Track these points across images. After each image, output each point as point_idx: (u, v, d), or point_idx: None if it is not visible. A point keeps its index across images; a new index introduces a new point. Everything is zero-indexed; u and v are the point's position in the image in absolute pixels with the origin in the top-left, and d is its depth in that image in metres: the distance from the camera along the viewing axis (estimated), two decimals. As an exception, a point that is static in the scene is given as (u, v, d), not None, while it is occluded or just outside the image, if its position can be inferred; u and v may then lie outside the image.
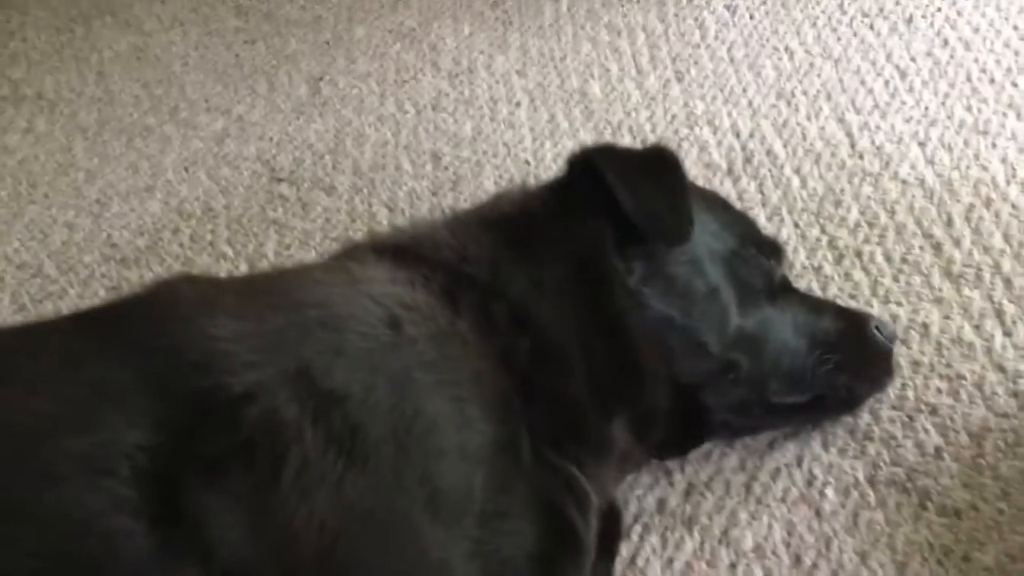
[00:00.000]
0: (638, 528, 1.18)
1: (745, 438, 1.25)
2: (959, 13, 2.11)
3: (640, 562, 1.15)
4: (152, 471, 0.84)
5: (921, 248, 1.52)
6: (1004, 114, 1.78)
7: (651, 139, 1.88)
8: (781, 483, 1.21)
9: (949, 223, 1.56)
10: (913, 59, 1.99)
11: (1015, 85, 1.86)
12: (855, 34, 2.12)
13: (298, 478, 0.85)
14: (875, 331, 1.23)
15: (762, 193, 1.69)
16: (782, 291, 1.23)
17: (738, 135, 1.85)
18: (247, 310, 0.95)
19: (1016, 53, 1.95)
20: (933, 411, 1.26)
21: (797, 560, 1.12)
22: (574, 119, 1.99)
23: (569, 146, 1.87)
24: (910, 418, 1.26)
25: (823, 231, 1.58)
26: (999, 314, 1.38)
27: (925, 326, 1.38)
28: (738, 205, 1.54)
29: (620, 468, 1.16)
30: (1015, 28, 2.03)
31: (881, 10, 2.18)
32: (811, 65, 2.04)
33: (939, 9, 2.14)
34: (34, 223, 1.93)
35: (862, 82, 1.95)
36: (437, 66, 2.27)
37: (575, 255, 1.12)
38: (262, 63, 2.41)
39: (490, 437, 0.95)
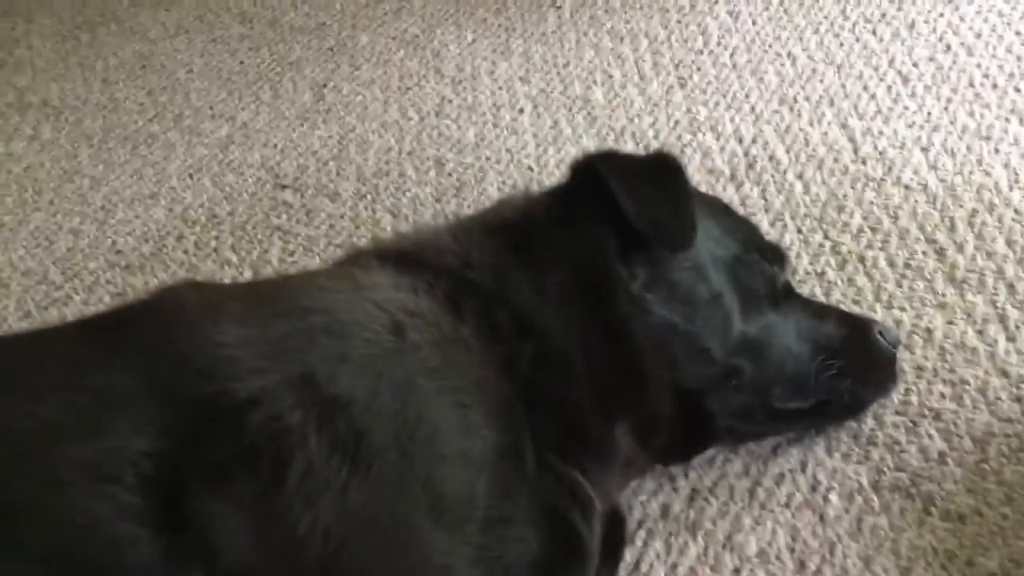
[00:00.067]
0: (642, 534, 1.18)
1: (749, 443, 1.25)
2: (961, 18, 2.12)
3: (644, 567, 1.15)
4: (157, 477, 0.84)
5: (924, 253, 1.52)
6: (1007, 119, 1.79)
7: (654, 145, 1.89)
8: (785, 488, 1.21)
9: (952, 228, 1.56)
10: (915, 64, 2.00)
11: (1018, 90, 1.86)
12: (857, 39, 2.12)
13: (302, 484, 0.86)
14: (878, 336, 1.23)
15: (765, 199, 1.69)
16: (785, 297, 1.23)
17: (741, 141, 1.85)
18: (251, 316, 0.95)
19: (1019, 58, 1.95)
20: (937, 416, 1.26)
21: (801, 565, 1.12)
22: (577, 125, 1.99)
23: (572, 152, 1.87)
24: (914, 423, 1.26)
25: (826, 236, 1.59)
26: (1002, 319, 1.38)
27: (928, 331, 1.38)
28: (741, 211, 1.54)
29: (624, 474, 1.16)
30: (1017, 33, 2.03)
31: (883, 15, 2.19)
32: (814, 71, 2.04)
33: (941, 14, 2.14)
34: (39, 230, 1.93)
35: (865, 87, 1.95)
36: (440, 73, 2.27)
37: (578, 261, 1.12)
38: (266, 70, 2.41)
39: (493, 443, 0.95)
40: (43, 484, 0.83)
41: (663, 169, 1.20)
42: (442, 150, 1.98)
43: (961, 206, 1.60)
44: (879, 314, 1.41)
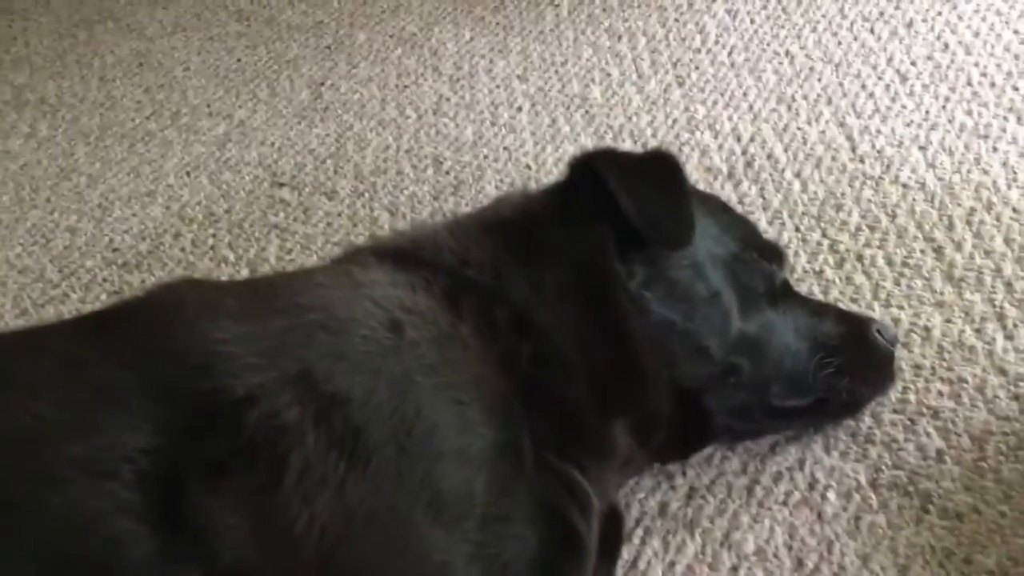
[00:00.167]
0: (640, 532, 1.18)
1: (747, 442, 1.25)
2: (959, 17, 2.12)
3: (642, 565, 1.15)
4: (154, 474, 0.84)
5: (922, 252, 1.52)
6: (1005, 118, 1.79)
7: (652, 144, 1.89)
8: (783, 486, 1.21)
9: (950, 227, 1.56)
10: (914, 63, 2.00)
11: (1016, 89, 1.86)
12: (855, 38, 2.12)
13: (300, 481, 0.85)
14: (876, 335, 1.23)
15: (763, 197, 1.69)
16: (783, 295, 1.23)
17: (739, 139, 1.85)
18: (249, 313, 0.95)
19: (1016, 57, 1.95)
20: (935, 414, 1.26)
21: (799, 563, 1.12)
22: (575, 123, 1.99)
23: (570, 151, 1.87)
24: (912, 421, 1.26)
25: (824, 235, 1.59)
26: (1000, 317, 1.38)
27: (926, 329, 1.38)
28: (739, 209, 1.54)
29: (622, 472, 1.16)
30: (1015, 32, 2.03)
31: (881, 14, 2.19)
32: (812, 69, 2.04)
33: (939, 13, 2.14)
34: (36, 228, 1.93)
35: (863, 86, 1.95)
36: (438, 71, 2.27)
37: (576, 259, 1.12)
38: (264, 68, 2.41)
39: (491, 441, 0.95)
40: (40, 481, 0.83)
41: (662, 167, 1.20)
42: (440, 148, 1.98)
43: (959, 204, 1.60)
44: (877, 312, 1.41)
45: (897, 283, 1.47)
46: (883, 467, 1.21)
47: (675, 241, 1.14)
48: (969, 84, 1.90)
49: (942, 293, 1.44)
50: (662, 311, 1.12)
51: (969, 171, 1.67)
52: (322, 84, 2.29)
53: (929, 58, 2.00)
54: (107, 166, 2.10)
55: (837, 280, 1.49)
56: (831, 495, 1.19)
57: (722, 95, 2.00)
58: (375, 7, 2.61)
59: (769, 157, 1.79)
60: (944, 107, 1.84)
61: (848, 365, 1.20)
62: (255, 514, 0.84)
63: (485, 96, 2.14)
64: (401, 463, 0.89)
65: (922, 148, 1.75)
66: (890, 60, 2.02)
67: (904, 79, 1.95)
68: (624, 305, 1.11)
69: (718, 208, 1.28)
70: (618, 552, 1.13)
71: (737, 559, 1.14)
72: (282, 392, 0.89)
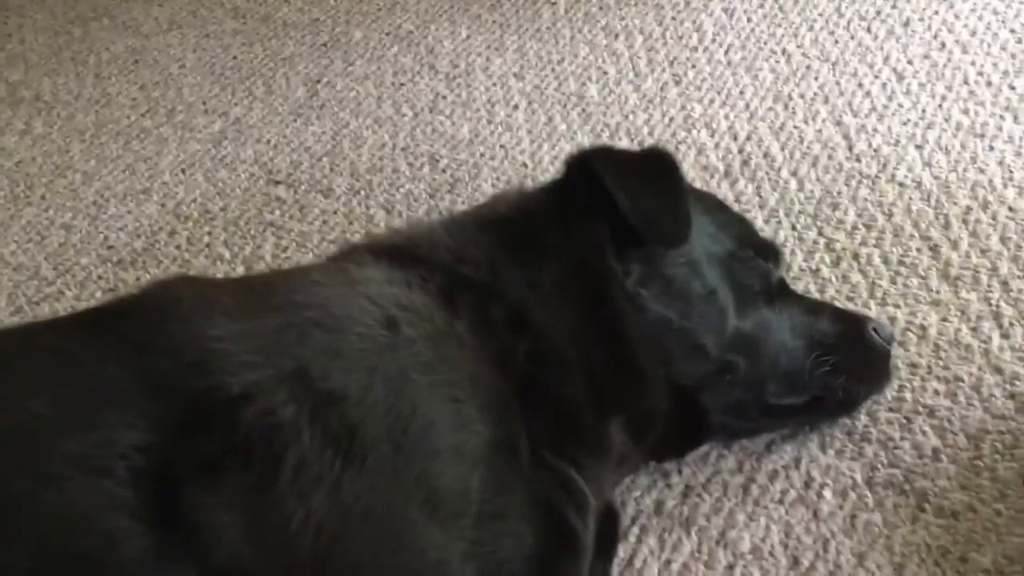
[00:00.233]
0: (636, 530, 1.18)
1: (743, 440, 1.25)
2: (956, 16, 2.12)
3: (638, 563, 1.15)
4: (149, 471, 0.84)
5: (918, 250, 1.52)
6: (1001, 117, 1.79)
7: (649, 142, 1.89)
8: (779, 485, 1.21)
9: (946, 225, 1.56)
10: (910, 62, 2.00)
11: (1012, 88, 1.86)
12: (852, 37, 2.12)
13: (295, 478, 0.85)
14: (873, 333, 1.23)
15: (759, 195, 1.69)
16: (780, 293, 1.23)
17: (735, 138, 1.85)
18: (245, 310, 0.95)
19: (1013, 56, 1.96)
20: (931, 413, 1.26)
21: (795, 561, 1.12)
22: (572, 122, 1.99)
23: (566, 149, 1.87)
24: (908, 420, 1.26)
25: (820, 233, 1.59)
26: (996, 316, 1.38)
27: (923, 328, 1.38)
28: (735, 207, 1.54)
29: (618, 470, 1.16)
30: (1012, 31, 2.04)
31: (878, 13, 2.19)
32: (808, 68, 2.04)
33: (936, 12, 2.15)
34: (31, 225, 1.92)
35: (859, 85, 1.95)
36: (434, 69, 2.27)
37: (573, 257, 1.12)
38: (259, 65, 2.41)
39: (487, 438, 0.95)
40: (35, 478, 0.83)
41: (658, 165, 1.20)
42: (436, 146, 1.98)
43: (955, 203, 1.60)
44: (873, 311, 1.41)
45: (893, 281, 1.47)
46: (879, 465, 1.21)
47: (671, 239, 1.14)
48: (966, 83, 1.90)
49: (938, 292, 1.44)
50: (658, 309, 1.12)
51: (965, 170, 1.67)
52: (318, 82, 2.29)
53: (926, 57, 2.01)
54: (102, 163, 2.09)
55: (833, 278, 1.49)
56: (827, 493, 1.19)
57: (719, 93, 2.00)
58: (371, 5, 2.61)
59: (766, 155, 1.79)
60: (940, 106, 1.85)
61: (844, 363, 1.20)
62: (250, 511, 0.84)
63: (481, 94, 2.13)
64: (397, 460, 0.89)
65: (918, 147, 1.75)
66: (887, 59, 2.02)
67: (901, 78, 1.95)
68: (620, 303, 1.11)
69: (714, 206, 1.28)
70: (614, 550, 1.13)
71: (733, 557, 1.14)
72: (278, 390, 0.88)
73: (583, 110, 2.02)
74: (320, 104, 2.20)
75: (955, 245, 1.52)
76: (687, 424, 1.17)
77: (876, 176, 1.69)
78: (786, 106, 1.92)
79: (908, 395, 1.29)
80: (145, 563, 0.82)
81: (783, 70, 2.04)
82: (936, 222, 1.57)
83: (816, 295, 1.45)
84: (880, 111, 1.86)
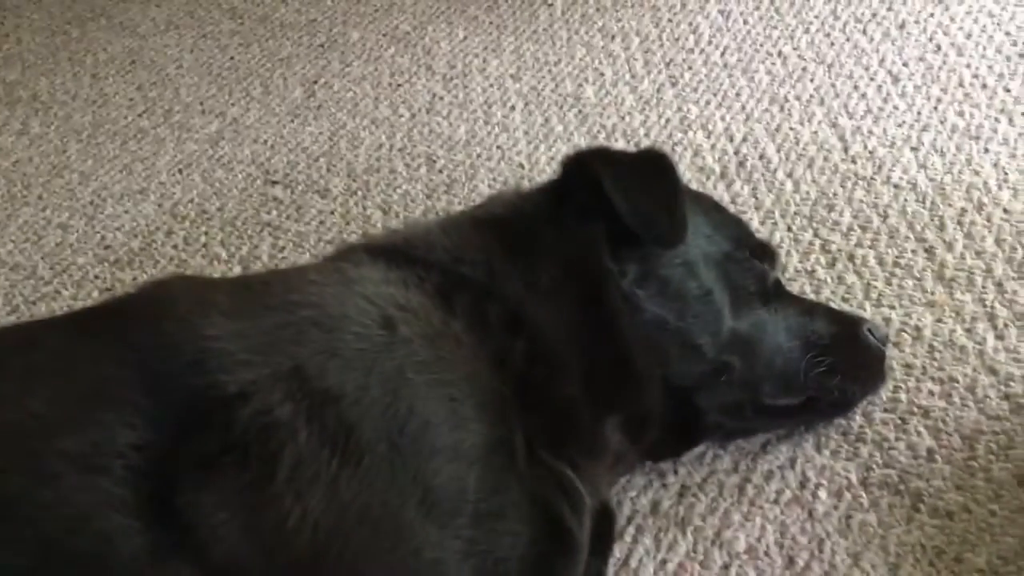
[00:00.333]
0: (632, 529, 1.18)
1: (738, 440, 1.26)
2: (952, 19, 2.13)
3: (633, 563, 1.15)
4: (146, 470, 0.84)
5: (913, 252, 1.52)
6: (996, 119, 1.79)
7: (645, 143, 1.89)
8: (774, 485, 1.21)
9: (941, 227, 1.56)
10: (906, 64, 2.00)
11: (1007, 90, 1.87)
12: (848, 39, 2.13)
13: (292, 477, 0.85)
14: (868, 334, 1.23)
15: (755, 197, 1.70)
16: (775, 294, 1.24)
17: (731, 139, 1.86)
18: (241, 310, 0.95)
19: (1008, 59, 1.96)
20: (925, 414, 1.27)
21: (790, 561, 1.13)
22: (568, 123, 1.99)
23: (563, 150, 1.87)
24: (902, 420, 1.26)
25: (816, 235, 1.59)
26: (991, 317, 1.39)
27: (918, 329, 1.39)
28: (731, 209, 1.54)
29: (614, 469, 1.16)
30: (1007, 34, 2.04)
31: (874, 15, 2.19)
32: (804, 70, 2.04)
33: (932, 15, 2.15)
34: (28, 225, 1.92)
35: (855, 87, 1.96)
36: (431, 70, 2.27)
37: (569, 257, 1.12)
38: (257, 66, 2.41)
39: (484, 437, 0.95)
40: (32, 476, 0.83)
41: (655, 166, 1.21)
42: (433, 147, 1.98)
43: (950, 205, 1.60)
44: (868, 312, 1.42)
45: (888, 283, 1.47)
46: (874, 466, 1.21)
47: (668, 239, 1.14)
48: (961, 85, 1.91)
49: (933, 293, 1.44)
50: (654, 309, 1.13)
51: (960, 172, 1.68)
52: (315, 82, 2.29)
53: (921, 59, 2.01)
54: (99, 163, 2.09)
55: (829, 279, 1.50)
56: (822, 493, 1.19)
57: (715, 95, 2.00)
58: (368, 6, 2.61)
59: (761, 157, 1.79)
60: (936, 108, 1.85)
61: (839, 364, 1.20)
62: (247, 510, 0.84)
63: (478, 95, 2.14)
64: (393, 460, 0.89)
65: (914, 149, 1.75)
66: (882, 61, 2.03)
67: (896, 80, 1.96)
68: (617, 303, 1.11)
69: (711, 207, 1.28)
70: (610, 550, 1.13)
71: (728, 557, 1.14)
72: (274, 389, 0.89)
73: (580, 111, 2.03)
74: (317, 105, 2.20)
75: (950, 247, 1.52)
76: (683, 424, 1.17)
77: (872, 178, 1.70)
78: (782, 108, 1.93)
79: (903, 396, 1.29)
80: (142, 561, 0.82)
81: (779, 72, 2.05)
82: (931, 224, 1.57)
83: (811, 296, 1.45)
84: (876, 113, 1.86)
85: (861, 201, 1.65)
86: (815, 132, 1.84)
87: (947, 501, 1.16)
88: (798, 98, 1.95)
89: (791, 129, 1.86)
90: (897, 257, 1.52)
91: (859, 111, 1.88)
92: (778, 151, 1.80)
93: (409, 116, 2.10)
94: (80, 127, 2.24)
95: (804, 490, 1.20)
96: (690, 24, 2.28)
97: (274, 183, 1.94)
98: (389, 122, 2.09)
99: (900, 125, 1.82)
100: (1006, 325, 1.37)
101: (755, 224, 1.60)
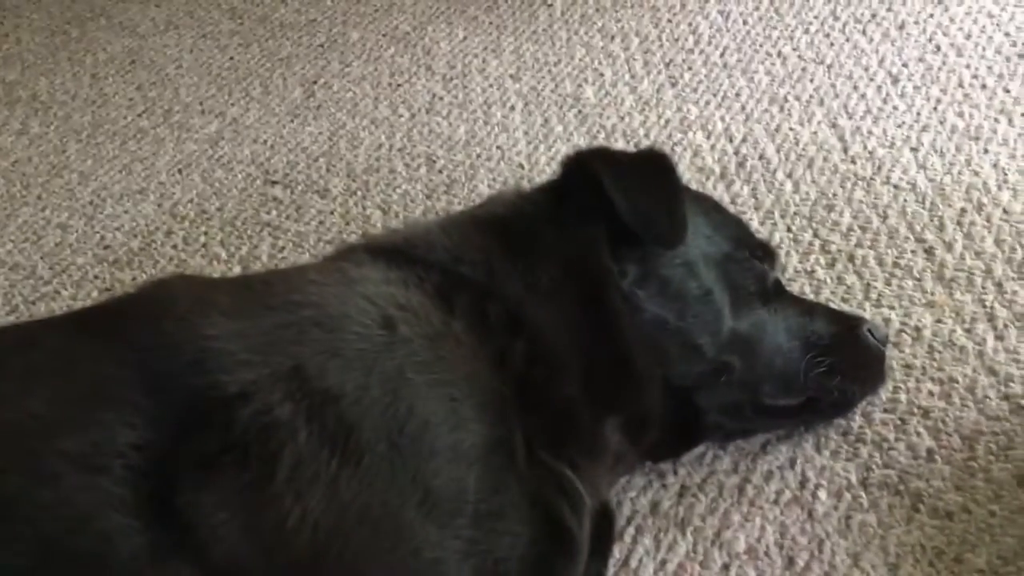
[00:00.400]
0: (631, 530, 1.18)
1: (738, 440, 1.26)
2: (951, 19, 2.13)
3: (633, 563, 1.15)
4: (146, 470, 0.84)
5: (913, 252, 1.52)
6: (996, 119, 1.79)
7: (645, 143, 1.89)
8: (774, 485, 1.21)
9: (941, 228, 1.56)
10: (905, 65, 2.00)
11: (1007, 91, 1.87)
12: (848, 40, 2.13)
13: (292, 477, 0.85)
14: (868, 334, 1.23)
15: (755, 197, 1.70)
16: (775, 294, 1.24)
17: (731, 140, 1.86)
18: (242, 309, 0.95)
19: (1007, 59, 1.96)
20: (925, 414, 1.27)
21: (790, 562, 1.13)
22: (568, 123, 1.99)
23: (563, 150, 1.87)
24: (902, 421, 1.26)
25: (816, 235, 1.59)
26: (991, 318, 1.39)
27: (917, 329, 1.39)
28: (731, 209, 1.54)
29: (613, 470, 1.16)
30: (1007, 35, 2.04)
31: (874, 16, 2.19)
32: (804, 70, 2.04)
33: (931, 15, 2.15)
34: (27, 224, 1.92)
35: (855, 87, 1.96)
36: (431, 70, 2.27)
37: (569, 257, 1.12)
38: (256, 66, 2.41)
39: (484, 437, 0.95)
40: (32, 476, 0.83)
41: (655, 166, 1.21)
42: (433, 147, 1.98)
43: (950, 206, 1.60)
44: (868, 312, 1.42)
45: (888, 283, 1.47)
46: (874, 466, 1.21)
47: (668, 239, 1.14)
48: (960, 86, 1.91)
49: (933, 293, 1.44)
50: (654, 309, 1.13)
51: (960, 172, 1.68)
52: (315, 82, 2.29)
53: (921, 60, 2.01)
54: (99, 163, 2.09)
55: (828, 280, 1.50)
56: (822, 494, 1.19)
57: (715, 96, 2.00)
58: (368, 6, 2.61)
59: (761, 157, 1.79)
60: (935, 109, 1.85)
61: (839, 364, 1.20)
62: (247, 510, 0.84)
63: (478, 95, 2.14)
64: (393, 460, 0.89)
65: (913, 149, 1.75)
66: (882, 62, 2.03)
67: (896, 81, 1.96)
68: (617, 303, 1.11)
69: (711, 207, 1.28)
70: (610, 550, 1.13)
71: (728, 557, 1.14)
72: (274, 388, 0.89)
73: (579, 111, 2.03)
74: (317, 105, 2.20)
75: (950, 247, 1.52)
76: (683, 424, 1.17)
77: (871, 178, 1.70)
78: (782, 108, 1.93)
79: (903, 396, 1.29)
80: (142, 561, 0.82)
81: (779, 72, 2.05)
82: (931, 224, 1.57)
83: (811, 296, 1.45)
84: (875, 114, 1.86)
85: (861, 201, 1.65)
86: (815, 132, 1.84)
87: (947, 501, 1.16)
88: (798, 98, 1.95)
89: (791, 129, 1.86)
90: (897, 257, 1.52)
91: (859, 111, 1.88)
92: (778, 151, 1.80)
93: (409, 116, 2.10)
94: (79, 127, 2.24)
95: (804, 490, 1.20)
96: (690, 24, 2.28)
97: (274, 183, 1.94)
98: (389, 122, 2.09)
99: (900, 126, 1.82)
100: (1006, 326, 1.37)
101: (755, 224, 1.60)
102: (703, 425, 1.19)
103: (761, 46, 2.15)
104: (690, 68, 2.11)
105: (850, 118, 1.86)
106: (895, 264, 1.51)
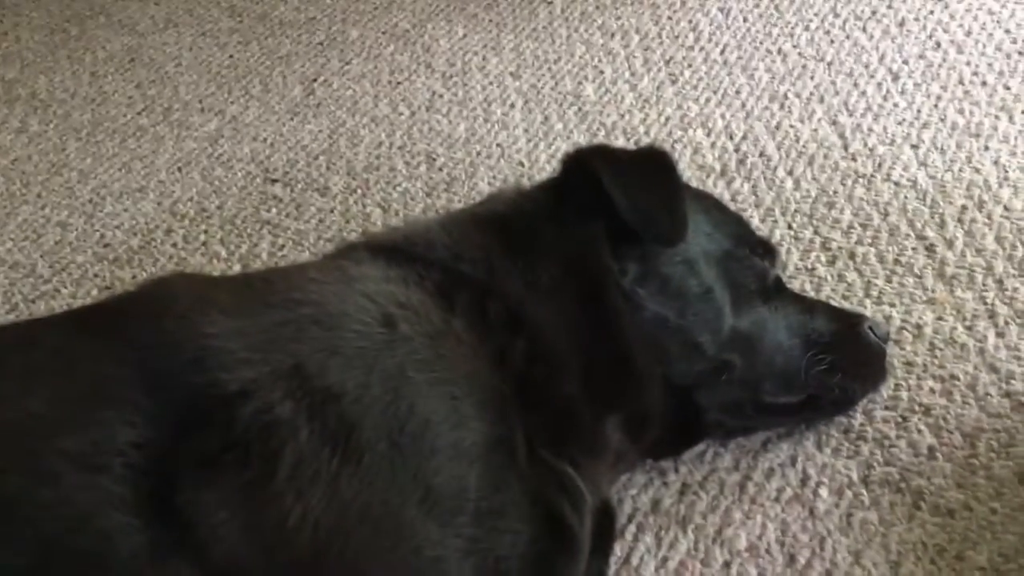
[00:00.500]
0: (632, 528, 1.18)
1: (739, 438, 1.25)
2: (951, 16, 2.12)
3: (634, 561, 1.15)
4: (146, 468, 0.84)
5: (914, 249, 1.52)
6: (996, 116, 1.79)
7: (645, 141, 1.89)
8: (775, 483, 1.21)
9: (942, 225, 1.56)
10: (906, 62, 2.00)
11: (1007, 88, 1.87)
12: (848, 37, 2.13)
13: (292, 476, 0.85)
14: (868, 332, 1.23)
15: (755, 195, 1.70)
16: (776, 292, 1.23)
17: (732, 137, 1.86)
18: (242, 307, 0.95)
19: (1008, 56, 1.96)
20: (926, 411, 1.27)
21: (791, 559, 1.13)
22: (568, 121, 1.99)
23: (563, 148, 1.87)
24: (903, 418, 1.26)
25: (816, 232, 1.59)
26: (992, 315, 1.39)
27: (918, 327, 1.38)
28: (732, 206, 1.54)
29: (614, 467, 1.16)
30: (1007, 31, 2.04)
31: (874, 13, 2.19)
32: (804, 67, 2.04)
33: (931, 12, 2.15)
34: (27, 223, 1.92)
35: (855, 84, 1.96)
36: (431, 67, 2.27)
37: (569, 255, 1.12)
38: (256, 64, 2.40)
39: (484, 436, 0.95)
40: (31, 475, 0.83)
41: (655, 164, 1.20)
42: (433, 145, 1.98)
43: (951, 203, 1.60)
44: (869, 310, 1.42)
45: (889, 281, 1.47)
46: (875, 464, 1.21)
47: (669, 237, 1.14)
48: (961, 83, 1.90)
49: (934, 291, 1.44)
50: (655, 307, 1.12)
51: (961, 169, 1.68)
52: (315, 80, 2.29)
53: (921, 57, 2.01)
54: (98, 161, 2.09)
55: (829, 277, 1.50)
56: (823, 491, 1.19)
57: (715, 93, 2.00)
58: (368, 3, 2.61)
59: (762, 155, 1.79)
60: (936, 106, 1.85)
61: (840, 362, 1.20)
62: (247, 508, 0.84)
63: (478, 93, 2.14)
64: (394, 458, 0.89)
65: (914, 146, 1.75)
66: (882, 59, 2.03)
67: (896, 78, 1.96)
68: (617, 301, 1.11)
69: (711, 205, 1.28)
70: (611, 548, 1.13)
71: (729, 555, 1.14)
72: (275, 387, 0.88)
73: (579, 109, 2.02)
74: (316, 103, 2.19)
75: (950, 244, 1.52)
76: (683, 422, 1.17)
77: (872, 175, 1.70)
78: (782, 105, 1.92)
79: (904, 394, 1.29)
80: (142, 560, 0.82)
81: (779, 69, 2.05)
82: (931, 221, 1.57)
83: (812, 294, 1.45)
84: (876, 111, 1.86)
85: (861, 199, 1.64)
86: (815, 130, 1.84)
87: (948, 499, 1.16)
88: (798, 96, 1.95)
89: (791, 127, 1.86)
90: (897, 255, 1.52)
91: (859, 109, 1.88)
92: (778, 149, 1.80)
93: (409, 114, 2.10)
94: (79, 125, 2.24)
95: (805, 488, 1.20)
96: (690, 22, 2.28)
97: (274, 181, 1.94)
98: (389, 120, 2.09)
99: (900, 123, 1.82)
100: (1007, 323, 1.37)
101: (755, 222, 1.60)
102: (704, 423, 1.19)
103: (761, 43, 2.15)
104: (690, 65, 2.11)
105: (850, 115, 1.86)
106: (896, 261, 1.50)
